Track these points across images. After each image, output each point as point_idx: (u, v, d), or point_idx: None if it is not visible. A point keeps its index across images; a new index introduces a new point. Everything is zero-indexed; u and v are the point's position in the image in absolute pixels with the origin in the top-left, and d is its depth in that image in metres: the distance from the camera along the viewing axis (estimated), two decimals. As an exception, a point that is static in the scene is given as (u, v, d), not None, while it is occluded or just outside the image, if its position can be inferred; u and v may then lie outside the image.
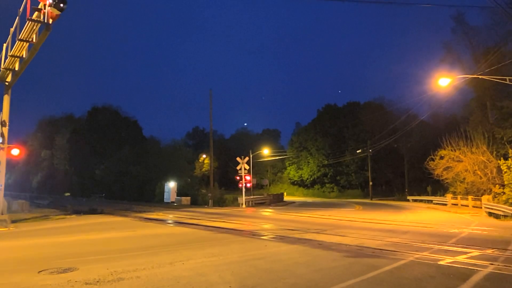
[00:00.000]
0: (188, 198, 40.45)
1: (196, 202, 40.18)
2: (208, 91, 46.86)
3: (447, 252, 9.13)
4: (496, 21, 33.29)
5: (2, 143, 17.56)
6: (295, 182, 75.29)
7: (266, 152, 58.36)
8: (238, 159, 36.12)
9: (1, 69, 17.28)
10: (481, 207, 25.95)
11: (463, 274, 6.81)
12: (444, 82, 20.30)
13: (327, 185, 69.56)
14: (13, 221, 17.80)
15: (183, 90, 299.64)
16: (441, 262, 7.82)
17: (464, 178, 32.26)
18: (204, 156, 70.82)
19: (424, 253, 8.90)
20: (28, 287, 5.97)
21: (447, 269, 7.25)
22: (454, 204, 32.55)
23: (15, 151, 18.12)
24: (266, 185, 75.64)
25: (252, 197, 39.21)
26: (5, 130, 17.70)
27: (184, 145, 73.17)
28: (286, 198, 54.79)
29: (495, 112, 35.15)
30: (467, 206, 29.80)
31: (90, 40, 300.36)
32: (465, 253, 9.06)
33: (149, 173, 51.10)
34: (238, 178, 36.11)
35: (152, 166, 52.02)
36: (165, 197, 44.01)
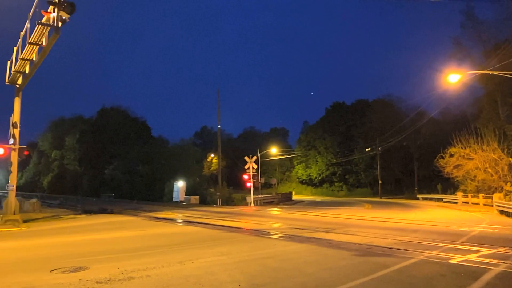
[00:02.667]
0: (197, 197, 40.62)
1: (205, 201, 40.33)
2: (216, 90, 46.91)
3: (457, 251, 9.05)
4: (507, 16, 32.93)
5: (14, 144, 17.79)
6: (304, 181, 75.17)
7: (274, 151, 58.39)
8: (246, 158, 36.15)
9: (12, 72, 17.51)
10: (492, 205, 25.66)
11: (474, 272, 6.75)
12: (454, 78, 20.07)
13: (336, 183, 69.35)
14: (25, 221, 18.05)
15: (191, 89, 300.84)
16: (451, 261, 7.75)
17: (474, 176, 31.92)
18: (212, 155, 71.06)
19: (435, 252, 8.84)
20: (41, 285, 6.05)
21: (458, 267, 7.19)
22: (465, 202, 32.23)
23: (26, 152, 18.34)
24: (274, 184, 75.54)
25: (260, 196, 39.23)
26: (16, 131, 17.92)
27: (192, 144, 73.46)
28: (295, 197, 54.73)
29: (506, 108, 34.75)
30: (478, 204, 29.49)
31: (99, 41, 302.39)
32: (476, 251, 8.97)
33: (158, 173, 51.42)
34: (246, 177, 36.14)
35: (161, 166, 52.34)
36: (174, 196, 44.25)
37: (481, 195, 29.67)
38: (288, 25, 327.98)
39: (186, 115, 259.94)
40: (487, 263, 7.51)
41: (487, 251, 9.08)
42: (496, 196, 25.21)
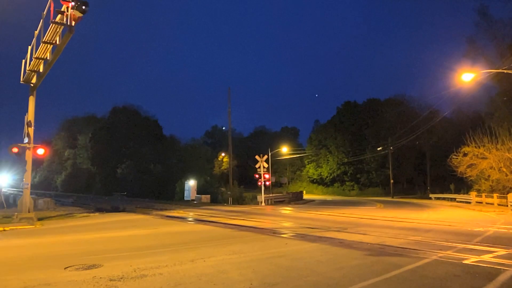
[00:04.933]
0: (208, 196, 40.77)
1: (216, 200, 40.45)
2: (227, 89, 46.97)
3: (472, 251, 8.91)
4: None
5: (28, 143, 18.03)
6: (315, 180, 74.91)
7: (284, 150, 58.23)
8: (256, 157, 36.12)
9: (26, 71, 17.73)
10: (507, 205, 25.28)
11: (489, 273, 6.64)
12: (468, 77, 19.80)
13: (347, 183, 68.96)
14: (39, 219, 18.30)
15: (202, 89, 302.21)
16: (466, 261, 7.64)
17: (489, 176, 31.46)
18: (223, 154, 71.23)
19: (448, 252, 8.73)
20: (56, 282, 6.13)
21: (472, 268, 7.08)
22: (479, 202, 31.80)
23: (40, 151, 18.56)
24: (285, 183, 75.46)
25: (271, 195, 39.22)
26: (31, 130, 18.16)
27: (203, 143, 73.82)
28: (306, 196, 54.61)
29: (521, 107, 34.14)
30: (492, 204, 29.07)
31: (111, 41, 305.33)
32: (491, 252, 8.82)
33: (169, 172, 51.73)
34: (257, 176, 36.14)
35: (172, 165, 52.69)
36: (185, 195, 44.48)
37: (495, 195, 29.24)
38: (299, 23, 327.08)
39: (197, 114, 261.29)
40: (503, 264, 7.38)
41: (502, 251, 8.92)
42: (511, 196, 24.82)
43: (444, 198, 42.05)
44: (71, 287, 5.89)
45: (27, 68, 17.51)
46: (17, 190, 48.28)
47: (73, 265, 7.40)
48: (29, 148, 18.09)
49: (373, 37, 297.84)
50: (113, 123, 70.33)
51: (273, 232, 13.19)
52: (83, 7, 11.97)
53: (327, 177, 71.15)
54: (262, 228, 14.64)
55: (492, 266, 7.25)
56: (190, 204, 37.61)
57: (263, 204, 34.48)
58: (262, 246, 10.18)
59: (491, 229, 14.16)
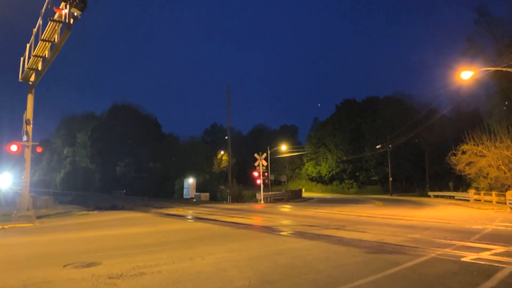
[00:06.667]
0: (207, 194, 40.77)
1: (215, 198, 40.46)
2: (226, 87, 46.84)
3: (470, 249, 8.93)
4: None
5: (27, 141, 18.01)
6: (314, 178, 74.92)
7: (284, 148, 58.22)
8: (255, 155, 36.13)
9: (25, 69, 17.70)
10: (505, 203, 25.34)
11: (487, 271, 6.67)
12: (467, 75, 19.77)
13: (346, 181, 68.98)
14: (38, 217, 18.31)
15: (202, 87, 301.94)
16: (464, 259, 7.67)
17: (487, 173, 31.52)
18: (222, 152, 71.16)
19: (446, 250, 8.75)
20: (54, 280, 6.14)
21: (470, 266, 7.10)
22: (477, 200, 31.87)
23: (39, 149, 18.55)
24: (284, 182, 75.37)
25: (270, 193, 39.22)
26: (29, 128, 18.14)
27: (203, 141, 73.73)
28: (305, 194, 54.63)
29: (520, 105, 34.17)
30: (491, 202, 29.15)
31: (111, 39, 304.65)
32: (489, 249, 8.85)
33: (168, 170, 51.69)
34: (256, 174, 36.15)
35: (172, 163, 52.65)
36: (184, 193, 44.48)
37: (494, 193, 29.32)
38: (298, 22, 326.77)
39: (196, 113, 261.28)
40: (500, 261, 7.41)
41: (500, 249, 8.95)
42: (510, 194, 24.87)
43: (442, 196, 42.11)
44: (70, 285, 5.89)
45: (26, 66, 17.48)
46: (17, 188, 48.27)
47: (72, 263, 7.40)
48: (28, 146, 18.07)
49: (372, 35, 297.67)
50: (112, 121, 70.07)
51: (272, 230, 13.21)
52: (82, 5, 11.95)
53: (326, 175, 71.17)
54: (261, 226, 14.66)
55: (490, 263, 7.28)
56: (189, 202, 37.61)
57: (262, 202, 34.50)
58: (260, 244, 10.19)
59: (490, 227, 14.19)
